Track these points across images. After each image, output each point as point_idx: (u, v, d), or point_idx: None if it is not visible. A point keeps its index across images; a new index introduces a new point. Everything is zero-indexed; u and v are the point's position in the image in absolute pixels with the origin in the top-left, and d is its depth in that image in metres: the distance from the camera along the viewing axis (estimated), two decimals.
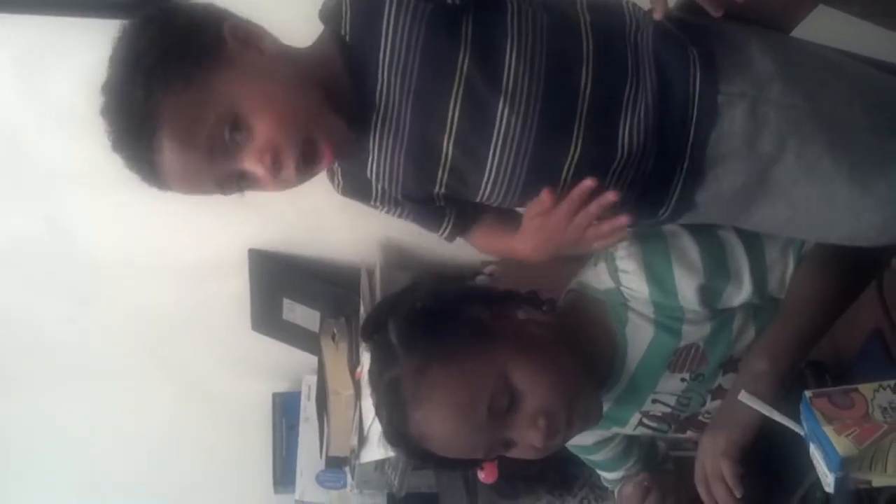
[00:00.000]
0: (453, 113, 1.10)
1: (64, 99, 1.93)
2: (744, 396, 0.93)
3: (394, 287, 2.05)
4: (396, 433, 1.24)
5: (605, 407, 1.38)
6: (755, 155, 1.13)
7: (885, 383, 0.90)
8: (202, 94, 1.06)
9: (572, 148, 1.11)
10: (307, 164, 1.09)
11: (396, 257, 2.23)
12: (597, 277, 1.32)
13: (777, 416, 0.92)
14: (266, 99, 1.08)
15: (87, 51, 1.86)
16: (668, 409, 1.37)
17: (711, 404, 1.34)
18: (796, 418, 0.94)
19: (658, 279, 1.25)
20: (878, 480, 0.86)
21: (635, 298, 1.28)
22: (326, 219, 2.11)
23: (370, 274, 2.17)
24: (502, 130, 1.10)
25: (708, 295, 1.24)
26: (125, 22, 1.10)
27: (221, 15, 1.11)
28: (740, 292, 1.25)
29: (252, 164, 1.08)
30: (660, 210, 1.19)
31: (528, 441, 1.20)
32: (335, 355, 2.17)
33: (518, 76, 1.08)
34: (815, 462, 0.90)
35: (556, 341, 1.27)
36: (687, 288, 1.24)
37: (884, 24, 1.18)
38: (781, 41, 1.19)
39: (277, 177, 1.09)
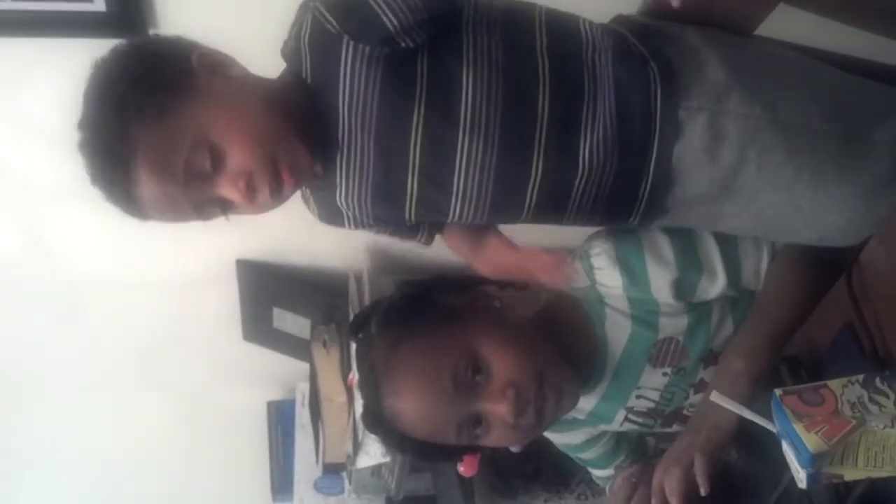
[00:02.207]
0: (414, 150, 1.13)
1: (43, 115, 1.95)
2: (715, 397, 0.94)
3: (382, 291, 2.08)
4: (372, 414, 1.27)
5: (591, 404, 1.40)
6: (717, 165, 1.15)
7: (853, 378, 0.90)
8: (174, 123, 1.08)
9: (534, 169, 1.14)
10: (278, 188, 1.11)
11: (384, 262, 2.24)
12: (575, 275, 1.33)
13: (749, 415, 0.93)
14: (235, 125, 1.10)
15: (63, 69, 1.88)
16: (653, 404, 1.38)
17: (694, 398, 1.36)
18: (770, 416, 0.94)
19: (631, 273, 1.27)
20: (850, 474, 0.87)
21: (611, 295, 1.30)
22: (313, 227, 2.11)
23: (358, 280, 2.19)
24: (464, 160, 1.13)
25: (682, 287, 1.26)
26: (96, 58, 1.12)
27: (190, 45, 1.14)
28: (714, 284, 1.26)
29: (228, 191, 1.11)
30: (629, 218, 1.21)
31: (498, 415, 1.21)
32: (327, 362, 2.18)
33: (475, 107, 1.11)
34: (788, 459, 0.91)
35: (530, 326, 1.30)
36: (660, 280, 1.26)
37: (842, 19, 1.19)
38: (740, 47, 1.20)
39: (253, 201, 1.12)
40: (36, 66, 1.90)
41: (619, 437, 1.51)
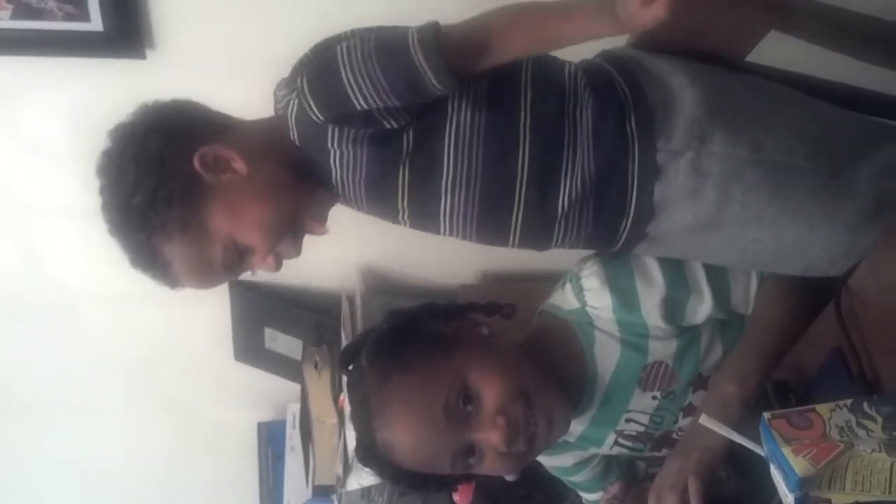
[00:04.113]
0: (402, 206, 1.21)
1: (41, 133, 1.96)
2: (705, 420, 0.94)
3: (374, 312, 2.08)
4: (365, 448, 1.28)
5: (581, 427, 1.40)
6: (701, 203, 1.17)
7: (840, 403, 0.91)
8: (200, 233, 1.18)
9: (514, 220, 1.21)
10: (302, 238, 1.24)
11: (376, 283, 2.25)
12: (563, 299, 1.35)
13: (738, 439, 0.93)
14: (256, 218, 1.19)
15: (61, 87, 1.90)
16: (642, 428, 1.38)
17: (684, 421, 1.36)
18: (759, 439, 0.95)
19: (621, 294, 1.28)
20: (837, 499, 0.87)
21: (600, 317, 1.31)
22: (305, 247, 2.12)
23: (351, 300, 2.19)
24: (447, 215, 1.21)
25: (671, 309, 1.27)
26: (100, 153, 1.20)
27: (189, 143, 1.18)
28: (702, 305, 1.27)
29: (261, 266, 1.23)
30: (611, 245, 1.24)
31: (490, 443, 1.22)
32: (318, 383, 2.17)
33: (457, 173, 1.18)
34: (776, 483, 0.91)
35: (518, 352, 1.31)
36: (650, 302, 1.27)
37: (832, 46, 1.20)
38: (726, 86, 1.21)
39: (280, 264, 1.25)
40: (34, 84, 1.92)
41: (609, 461, 1.52)
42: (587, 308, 1.31)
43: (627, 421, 1.38)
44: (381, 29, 1.17)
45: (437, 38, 1.10)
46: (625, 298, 1.27)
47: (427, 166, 1.17)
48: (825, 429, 0.89)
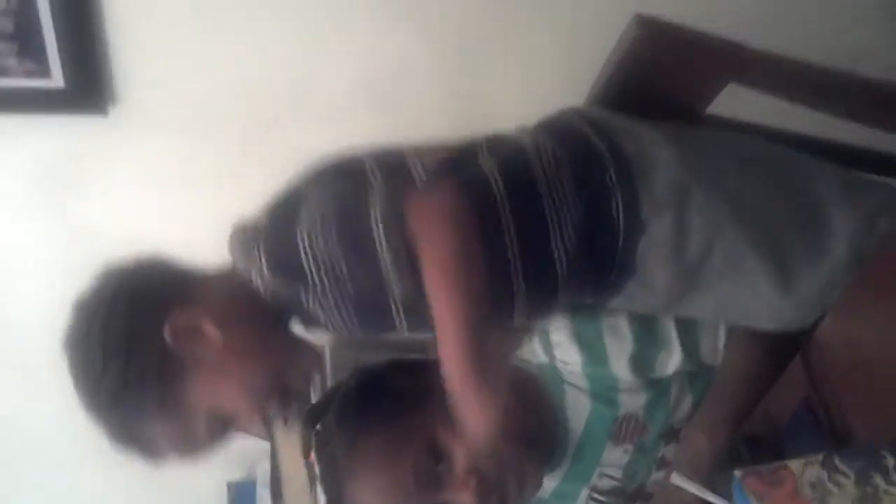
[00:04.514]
0: (398, 318, 1.12)
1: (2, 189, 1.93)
2: (675, 478, 0.93)
3: (344, 366, 2.05)
4: None
5: (554, 483, 1.38)
6: (683, 257, 1.13)
7: (812, 458, 0.90)
8: (179, 409, 1.10)
9: (517, 304, 1.13)
10: (291, 395, 1.16)
11: (345, 337, 2.22)
12: (532, 353, 1.33)
13: (710, 497, 0.92)
14: (238, 385, 1.11)
15: (22, 145, 1.88)
16: (616, 483, 1.37)
17: (657, 475, 1.35)
18: (730, 495, 0.94)
19: (589, 348, 1.26)
20: None
21: (570, 371, 1.29)
22: None
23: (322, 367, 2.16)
24: None
25: (640, 363, 1.26)
26: (66, 328, 1.12)
27: (155, 315, 1.10)
28: (672, 359, 1.26)
29: (249, 430, 1.16)
30: (587, 299, 1.20)
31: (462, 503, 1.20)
32: (288, 440, 2.13)
33: None
34: None
35: None
36: (618, 356, 1.26)
37: (791, 98, 1.21)
38: (696, 142, 1.20)
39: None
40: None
41: None
42: (556, 363, 1.29)
43: (601, 476, 1.37)
44: (338, 214, 1.08)
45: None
46: (593, 354, 1.26)
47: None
48: (797, 485, 0.88)
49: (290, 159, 1.85)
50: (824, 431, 1.00)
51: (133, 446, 1.12)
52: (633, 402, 1.30)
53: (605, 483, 1.37)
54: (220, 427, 1.13)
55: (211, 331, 1.10)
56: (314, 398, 1.89)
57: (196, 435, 1.12)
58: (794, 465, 0.90)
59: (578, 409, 1.31)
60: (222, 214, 1.94)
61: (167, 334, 1.08)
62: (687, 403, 1.31)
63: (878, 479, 0.87)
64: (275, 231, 1.11)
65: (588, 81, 1.29)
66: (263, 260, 1.09)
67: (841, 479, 0.88)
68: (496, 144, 1.17)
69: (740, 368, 1.25)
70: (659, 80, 1.21)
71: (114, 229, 1.94)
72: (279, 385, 1.12)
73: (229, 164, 1.89)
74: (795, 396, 1.09)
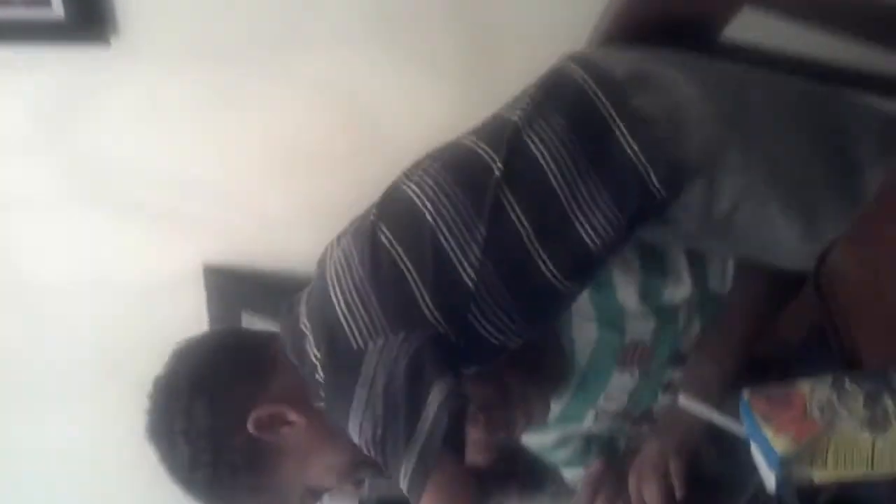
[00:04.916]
0: None
1: (2, 124, 1.91)
2: (683, 400, 0.93)
3: None
4: None
5: (561, 406, 1.39)
6: (710, 214, 1.12)
7: (821, 379, 0.90)
8: (272, 493, 1.16)
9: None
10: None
11: None
12: None
13: (717, 419, 0.92)
14: (328, 464, 1.17)
15: (24, 77, 1.86)
16: (622, 407, 1.38)
17: (664, 399, 1.36)
18: (738, 418, 0.94)
19: (596, 281, 1.25)
20: (819, 476, 0.87)
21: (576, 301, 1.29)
22: (287, 228, 2.10)
23: None
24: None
25: (647, 292, 1.27)
26: (147, 418, 1.18)
27: (238, 409, 1.13)
28: (679, 289, 1.26)
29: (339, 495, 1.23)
30: None
31: (471, 438, 1.20)
32: None
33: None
34: (756, 461, 0.91)
35: None
36: (625, 285, 1.26)
37: (808, 20, 1.18)
38: (736, 91, 1.15)
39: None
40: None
41: (589, 439, 1.51)
42: None
43: (607, 399, 1.38)
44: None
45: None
46: (600, 283, 1.26)
47: None
48: (806, 407, 0.88)
49: (293, 89, 1.84)
50: (835, 357, 1.00)
51: None
52: (640, 329, 1.30)
53: (612, 406, 1.39)
54: (313, 499, 1.19)
55: (295, 418, 1.13)
56: None
57: None
58: (804, 386, 0.90)
59: (585, 335, 1.31)
60: (227, 143, 1.95)
61: (252, 427, 1.12)
62: (695, 330, 1.32)
63: (888, 402, 0.87)
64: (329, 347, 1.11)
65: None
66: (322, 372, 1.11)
67: (850, 401, 0.88)
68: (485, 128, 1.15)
69: (750, 296, 1.25)
70: (672, 2, 1.17)
71: (118, 161, 1.93)
72: (366, 455, 1.12)
73: (233, 94, 1.87)
74: (806, 322, 1.09)
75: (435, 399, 1.02)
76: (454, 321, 1.07)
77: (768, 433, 0.86)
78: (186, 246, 2.12)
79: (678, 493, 1.18)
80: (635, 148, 1.09)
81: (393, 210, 1.14)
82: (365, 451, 1.08)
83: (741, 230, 1.14)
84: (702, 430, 1.21)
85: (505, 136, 1.11)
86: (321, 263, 1.21)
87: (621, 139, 1.09)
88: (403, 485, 1.03)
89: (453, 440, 1.02)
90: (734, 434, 0.95)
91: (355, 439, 1.08)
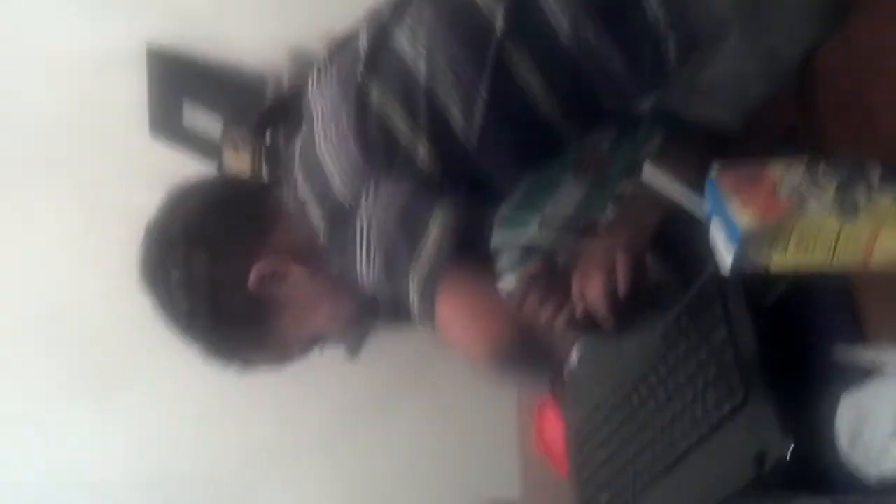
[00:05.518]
0: None
1: None
2: (646, 172, 0.88)
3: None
4: None
5: (507, 210, 1.34)
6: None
7: (795, 161, 0.85)
8: (275, 342, 1.18)
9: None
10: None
11: (307, 69, 2.11)
12: None
13: (679, 192, 0.87)
14: (330, 314, 1.17)
15: None
16: (568, 215, 1.33)
17: (613, 213, 1.31)
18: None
19: None
20: (777, 261, 0.82)
21: None
22: (232, 17, 1.99)
23: (277, 85, 2.06)
24: None
25: None
26: (140, 264, 1.17)
27: (238, 262, 1.11)
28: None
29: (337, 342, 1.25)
30: None
31: None
32: (237, 165, 2.07)
33: None
34: (713, 243, 0.86)
35: None
36: None
37: None
38: None
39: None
40: None
41: (530, 249, 1.47)
42: None
43: (553, 206, 1.33)
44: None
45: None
46: None
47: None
48: (775, 187, 0.83)
49: None
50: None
51: (226, 365, 1.20)
52: (599, 135, 1.24)
53: (558, 213, 1.34)
54: (313, 344, 1.20)
55: (297, 272, 1.11)
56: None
57: (290, 355, 1.20)
58: (776, 166, 0.84)
59: None
60: None
61: (254, 282, 1.10)
62: (655, 141, 1.26)
63: (860, 189, 0.82)
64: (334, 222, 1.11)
65: None
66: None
67: (822, 187, 0.83)
68: None
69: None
70: None
71: None
72: (365, 303, 1.15)
73: None
74: (780, 125, 1.04)
75: (436, 220, 1.02)
76: (455, 173, 1.07)
77: (733, 207, 0.81)
78: (132, 18, 1.99)
79: (621, 289, 1.13)
80: (657, 10, 1.04)
81: (383, 67, 1.09)
82: (372, 293, 1.08)
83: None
84: (652, 229, 1.16)
85: None
86: (307, 103, 1.16)
87: None
88: (414, 298, 1.02)
89: (464, 250, 1.03)
90: (694, 212, 0.88)
91: (362, 285, 1.07)
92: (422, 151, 1.06)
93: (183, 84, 2.12)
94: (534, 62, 1.06)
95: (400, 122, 1.06)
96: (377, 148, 1.06)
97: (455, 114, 1.06)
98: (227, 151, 2.09)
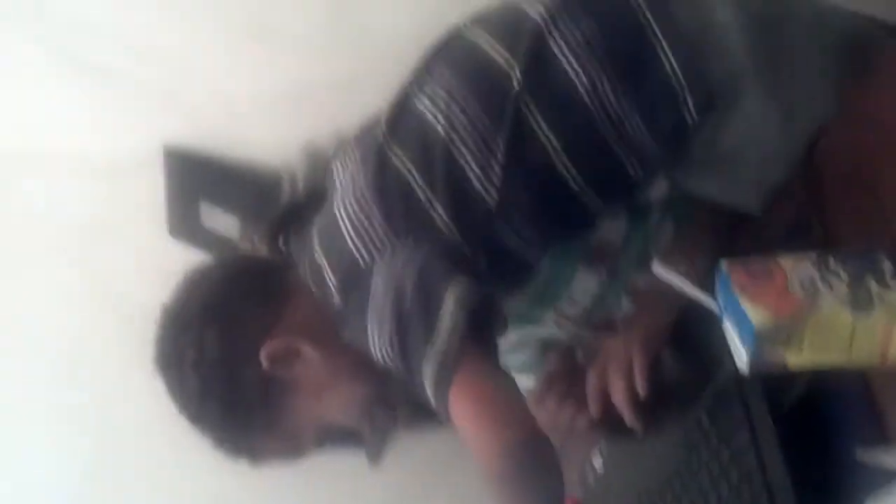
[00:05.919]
0: None
1: None
2: (656, 268, 0.86)
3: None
4: None
5: (521, 306, 1.33)
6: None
7: (805, 255, 0.84)
8: (287, 429, 1.13)
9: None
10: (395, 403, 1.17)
11: (323, 167, 2.13)
12: None
13: (691, 290, 0.86)
14: (345, 399, 1.13)
15: None
16: (583, 309, 1.32)
17: (627, 306, 1.30)
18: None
19: None
20: (794, 359, 0.80)
21: None
22: (246, 117, 2.01)
23: (292, 184, 2.07)
24: None
25: None
26: (154, 348, 1.13)
27: (250, 340, 1.08)
28: (655, 186, 1.20)
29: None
30: None
31: None
32: None
33: None
34: (728, 340, 0.84)
35: None
36: None
37: None
38: (773, 28, 1.09)
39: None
40: None
41: (547, 345, 1.45)
42: None
43: (569, 302, 1.32)
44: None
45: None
46: None
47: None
48: (787, 281, 0.81)
49: None
50: (816, 243, 0.94)
51: (236, 456, 1.15)
52: (610, 226, 1.24)
53: (574, 308, 1.32)
54: (327, 434, 1.15)
55: (309, 352, 1.08)
56: None
57: (303, 446, 1.16)
58: (785, 260, 0.83)
59: None
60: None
61: (265, 361, 1.07)
62: (667, 230, 1.25)
63: (872, 283, 0.80)
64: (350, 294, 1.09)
65: None
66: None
67: (833, 279, 0.81)
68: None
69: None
70: None
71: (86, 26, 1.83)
72: (382, 391, 1.12)
73: None
74: (789, 218, 1.03)
75: (451, 296, 0.98)
76: (473, 237, 1.05)
77: (745, 304, 0.80)
78: (148, 122, 2.02)
79: (640, 392, 1.11)
80: (674, 64, 1.03)
81: (403, 129, 1.09)
82: (382, 364, 1.03)
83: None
84: (667, 327, 1.15)
85: (524, 37, 1.06)
86: (329, 183, 1.17)
87: (659, 52, 1.03)
88: (429, 386, 0.98)
89: (477, 335, 0.99)
90: (699, 328, 0.88)
91: (374, 356, 1.03)
92: (440, 211, 1.04)
93: (200, 184, 2.14)
94: (552, 117, 1.05)
95: (418, 180, 1.06)
96: (396, 208, 1.05)
97: (473, 170, 1.05)
98: (244, 247, 2.09)
